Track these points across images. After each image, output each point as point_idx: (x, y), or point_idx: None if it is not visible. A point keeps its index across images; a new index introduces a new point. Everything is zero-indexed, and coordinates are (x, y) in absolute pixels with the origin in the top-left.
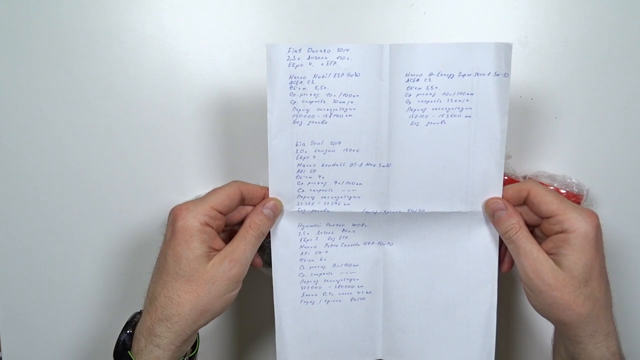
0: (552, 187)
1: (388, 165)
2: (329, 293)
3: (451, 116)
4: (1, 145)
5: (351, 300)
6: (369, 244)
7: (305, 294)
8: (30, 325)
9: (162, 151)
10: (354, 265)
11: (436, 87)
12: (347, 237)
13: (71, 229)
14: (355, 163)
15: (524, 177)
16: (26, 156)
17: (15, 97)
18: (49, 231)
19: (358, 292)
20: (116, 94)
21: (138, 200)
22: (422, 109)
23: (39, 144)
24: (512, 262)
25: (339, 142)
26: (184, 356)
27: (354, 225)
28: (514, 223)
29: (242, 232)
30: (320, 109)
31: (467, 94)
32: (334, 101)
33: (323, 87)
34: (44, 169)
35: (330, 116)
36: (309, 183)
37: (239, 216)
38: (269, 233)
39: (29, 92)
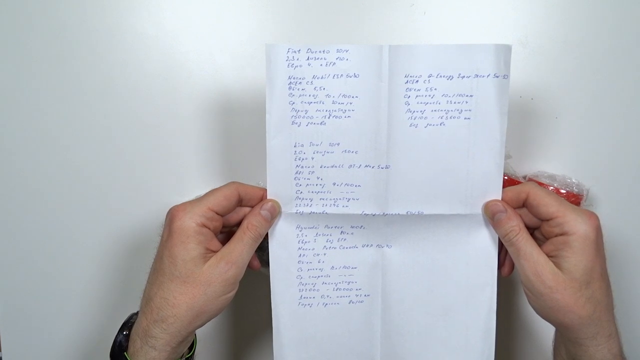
0: (552, 188)
1: (387, 167)
2: (327, 296)
3: (450, 118)
4: (1, 145)
5: (349, 303)
6: (367, 246)
7: (303, 296)
8: (30, 325)
9: (162, 151)
10: (352, 268)
11: (435, 89)
12: (345, 239)
13: (71, 229)
14: (354, 164)
15: (524, 177)
16: (26, 156)
17: (15, 97)
18: (49, 231)
19: (356, 295)
20: (116, 94)
21: (138, 200)
22: (421, 111)
23: (39, 144)
24: (512, 266)
25: (338, 144)
26: (181, 357)
27: (352, 227)
28: (514, 225)
29: (239, 234)
30: (319, 110)
31: (467, 95)
32: (333, 102)
33: (322, 88)
34: (44, 169)
35: (329, 117)
36: (308, 185)
37: (236, 217)
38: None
39: (29, 92)
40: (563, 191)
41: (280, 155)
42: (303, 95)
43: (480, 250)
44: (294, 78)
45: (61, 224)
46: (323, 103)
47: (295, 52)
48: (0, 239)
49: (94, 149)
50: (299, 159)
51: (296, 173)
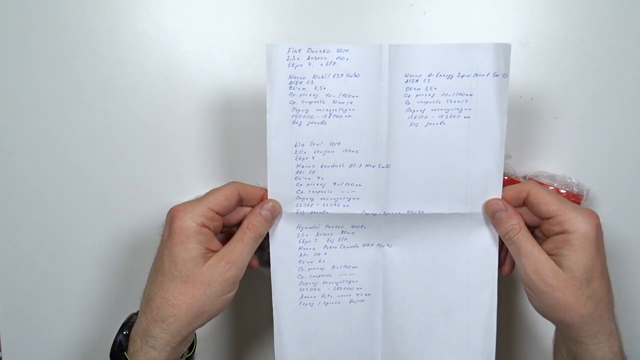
0: (552, 187)
1: (387, 166)
2: (328, 295)
3: (450, 117)
4: (1, 145)
5: (350, 302)
6: (368, 245)
7: (304, 295)
8: (30, 325)
9: (162, 151)
10: (353, 267)
11: (435, 88)
12: (346, 238)
13: (71, 229)
14: (355, 164)
15: (524, 177)
16: (26, 156)
17: (16, 97)
18: (49, 231)
19: (357, 294)
20: (116, 94)
21: (138, 200)
22: (421, 110)
23: (39, 144)
24: (513, 265)
25: (339, 143)
26: (181, 357)
27: (353, 226)
28: (515, 224)
29: (239, 234)
30: (320, 110)
31: (466, 94)
32: (334, 102)
33: (322, 88)
34: (44, 169)
35: (329, 117)
36: (308, 184)
37: (237, 217)
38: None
39: (29, 92)
40: (563, 191)
41: (281, 155)
42: (304, 94)
43: (480, 249)
44: (294, 77)
45: (61, 224)
46: (323, 102)
47: (295, 51)
48: (0, 239)
49: (94, 149)
50: (300, 159)
51: (297, 173)
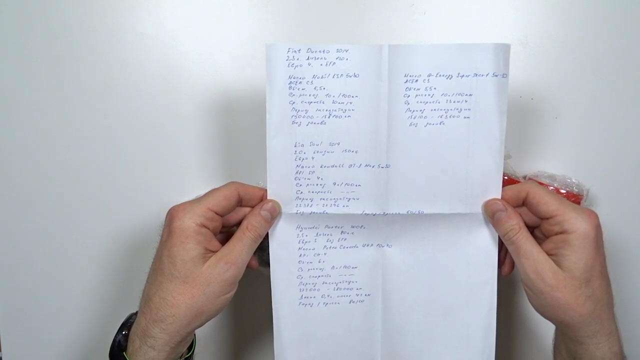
0: (552, 187)
1: (387, 167)
2: (328, 295)
3: (450, 117)
4: (1, 145)
5: (350, 302)
6: (367, 246)
7: (303, 296)
8: (30, 325)
9: (162, 151)
10: (352, 268)
11: (435, 88)
12: (345, 239)
13: (71, 229)
14: (354, 164)
15: (524, 177)
16: (26, 156)
17: (16, 97)
18: (49, 231)
19: (357, 295)
20: (116, 94)
21: (138, 200)
22: (420, 110)
23: (39, 144)
24: (512, 265)
25: (338, 143)
26: (180, 357)
27: (352, 227)
28: (514, 224)
29: (238, 234)
30: (320, 110)
31: (466, 94)
32: (333, 102)
33: (322, 88)
34: (44, 169)
35: (329, 117)
36: (308, 185)
37: (236, 217)
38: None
39: (29, 92)
40: (563, 191)
41: (281, 155)
42: (303, 94)
43: (480, 249)
44: (294, 78)
45: (61, 224)
46: (323, 103)
47: (295, 51)
48: (0, 239)
49: (94, 149)
50: (299, 159)
51: (296, 173)
